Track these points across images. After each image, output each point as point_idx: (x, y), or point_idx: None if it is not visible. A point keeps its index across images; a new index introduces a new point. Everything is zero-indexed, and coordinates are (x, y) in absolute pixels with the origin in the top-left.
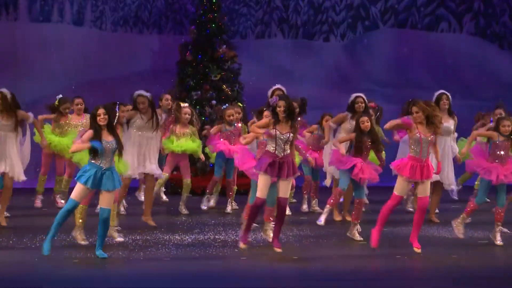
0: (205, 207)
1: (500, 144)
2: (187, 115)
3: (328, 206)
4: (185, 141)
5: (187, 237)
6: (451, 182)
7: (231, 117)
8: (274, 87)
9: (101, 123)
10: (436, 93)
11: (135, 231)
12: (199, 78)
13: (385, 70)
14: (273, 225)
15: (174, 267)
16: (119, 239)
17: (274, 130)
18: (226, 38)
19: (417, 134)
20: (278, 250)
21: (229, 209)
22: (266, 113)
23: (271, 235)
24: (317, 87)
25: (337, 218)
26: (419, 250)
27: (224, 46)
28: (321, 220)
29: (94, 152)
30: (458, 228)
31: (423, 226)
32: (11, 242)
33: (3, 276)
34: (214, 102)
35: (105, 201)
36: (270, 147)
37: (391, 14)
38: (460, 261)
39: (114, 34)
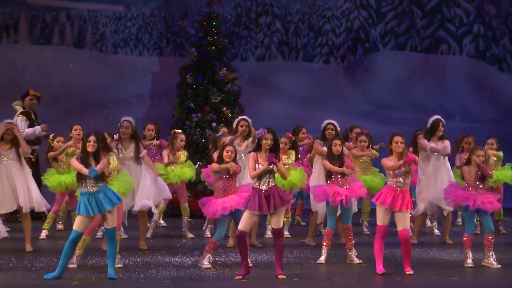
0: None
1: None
2: (183, 142)
3: (324, 246)
4: (180, 169)
5: (187, 259)
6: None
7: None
8: (239, 118)
9: (89, 149)
10: (432, 119)
11: (135, 253)
12: (199, 100)
13: (385, 92)
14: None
15: None
16: (119, 265)
17: (257, 164)
18: (226, 60)
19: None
20: (282, 276)
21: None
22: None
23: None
24: (317, 110)
25: (311, 243)
26: (411, 272)
27: (224, 68)
28: (322, 259)
29: (80, 179)
30: (489, 262)
31: (425, 248)
32: (11, 264)
33: None
34: (214, 124)
35: (108, 221)
36: (254, 183)
37: (391, 36)
38: (461, 284)
39: (115, 56)
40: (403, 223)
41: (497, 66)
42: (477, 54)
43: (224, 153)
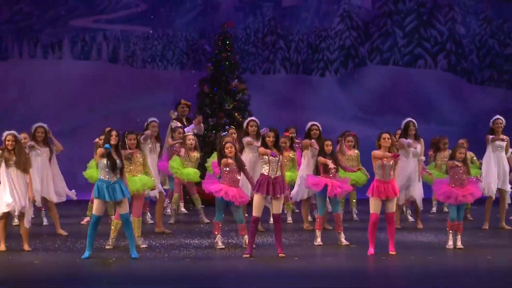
0: None
1: (457, 169)
2: (191, 141)
3: (317, 230)
4: (192, 171)
5: (205, 241)
6: (419, 197)
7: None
8: (249, 119)
9: (112, 143)
10: (404, 121)
11: (161, 236)
12: (215, 107)
13: (372, 100)
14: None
15: (194, 266)
16: (143, 246)
17: (268, 156)
18: (237, 73)
19: (379, 161)
20: (282, 255)
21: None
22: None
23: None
24: (314, 115)
25: (309, 227)
26: (394, 253)
27: (236, 80)
28: (319, 241)
29: (105, 168)
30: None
31: (405, 232)
32: (56, 245)
33: (50, 274)
34: (227, 127)
35: (122, 207)
36: (265, 170)
37: (377, 53)
38: (435, 262)
39: (143, 70)
40: (390, 207)
41: (466, 78)
42: (449, 68)
43: (226, 150)
